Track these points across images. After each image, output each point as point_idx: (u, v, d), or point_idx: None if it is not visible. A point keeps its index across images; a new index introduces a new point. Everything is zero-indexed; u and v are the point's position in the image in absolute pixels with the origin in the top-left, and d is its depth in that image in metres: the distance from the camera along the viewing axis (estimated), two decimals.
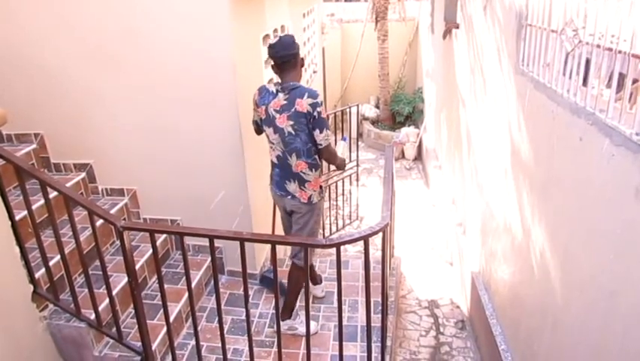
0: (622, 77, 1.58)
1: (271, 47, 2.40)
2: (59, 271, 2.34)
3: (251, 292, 3.16)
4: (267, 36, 3.47)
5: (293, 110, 2.34)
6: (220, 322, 2.10)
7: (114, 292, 2.32)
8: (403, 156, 7.80)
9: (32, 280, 2.25)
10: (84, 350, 2.38)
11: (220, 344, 2.13)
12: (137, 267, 2.66)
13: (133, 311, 2.21)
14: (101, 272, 2.14)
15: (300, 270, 2.63)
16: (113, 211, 2.91)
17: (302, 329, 2.64)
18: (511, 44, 2.77)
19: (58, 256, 2.21)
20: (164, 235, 3.07)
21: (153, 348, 2.35)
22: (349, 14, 9.35)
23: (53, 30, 2.74)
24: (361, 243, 1.95)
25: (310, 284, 2.66)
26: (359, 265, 3.46)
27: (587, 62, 1.81)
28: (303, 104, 2.32)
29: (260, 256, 3.33)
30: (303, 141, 2.41)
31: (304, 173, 2.48)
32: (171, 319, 2.32)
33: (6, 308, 2.10)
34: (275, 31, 3.74)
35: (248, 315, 2.06)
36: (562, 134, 2.03)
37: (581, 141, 1.83)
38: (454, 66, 4.85)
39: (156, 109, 2.85)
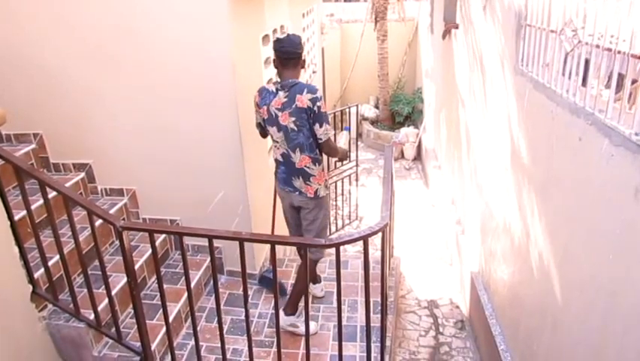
0: (621, 77, 1.58)
1: (278, 41, 2.42)
2: (58, 271, 2.33)
3: (250, 293, 3.16)
4: (266, 36, 3.47)
5: (294, 106, 2.36)
6: (219, 322, 2.09)
7: (113, 292, 2.31)
8: (403, 156, 7.80)
9: (31, 280, 2.25)
10: (83, 350, 2.38)
11: (219, 344, 2.13)
12: (137, 267, 2.66)
13: (132, 311, 2.21)
14: (100, 272, 2.13)
15: (312, 264, 2.79)
16: (112, 211, 2.90)
17: (303, 328, 2.64)
18: (510, 44, 2.77)
19: (58, 256, 2.21)
20: (164, 235, 3.07)
21: (152, 348, 2.35)
22: (349, 14, 9.36)
23: (53, 30, 2.74)
24: (361, 243, 1.96)
25: (310, 283, 2.66)
26: (358, 265, 3.45)
27: (587, 62, 1.82)
28: (303, 100, 2.34)
29: (259, 256, 3.33)
30: (305, 136, 2.43)
31: (308, 167, 2.50)
32: (170, 319, 2.31)
33: (5, 308, 2.09)
34: (274, 31, 3.74)
35: (247, 315, 2.06)
36: (561, 134, 2.03)
37: (580, 141, 1.83)
38: (453, 66, 4.85)
39: (156, 109, 2.85)
